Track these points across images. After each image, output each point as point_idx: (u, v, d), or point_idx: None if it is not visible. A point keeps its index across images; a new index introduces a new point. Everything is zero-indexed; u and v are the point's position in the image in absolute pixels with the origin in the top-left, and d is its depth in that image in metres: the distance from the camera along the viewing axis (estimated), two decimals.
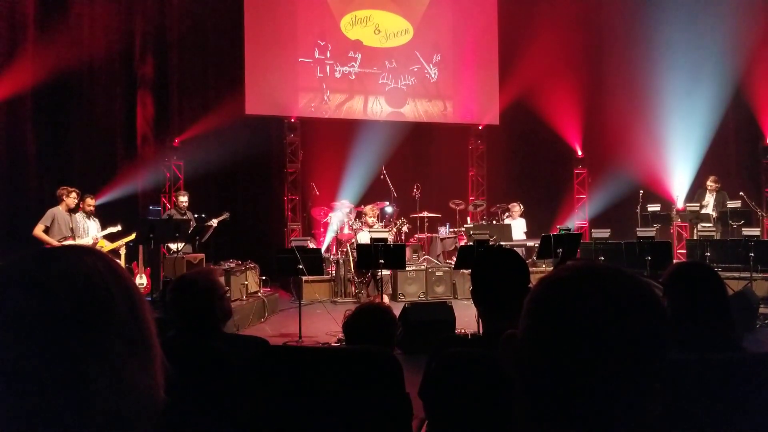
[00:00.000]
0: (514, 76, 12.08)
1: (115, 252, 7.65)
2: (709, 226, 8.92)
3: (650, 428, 0.74)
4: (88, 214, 7.60)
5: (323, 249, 9.43)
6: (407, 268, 8.63)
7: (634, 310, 0.74)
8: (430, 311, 5.90)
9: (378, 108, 11.88)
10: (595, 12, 12.10)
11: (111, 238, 7.66)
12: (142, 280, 8.01)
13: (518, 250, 9.13)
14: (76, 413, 0.66)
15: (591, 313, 0.73)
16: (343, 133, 11.53)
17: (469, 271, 2.29)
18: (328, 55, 11.54)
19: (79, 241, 7.13)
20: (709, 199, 9.63)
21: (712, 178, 9.78)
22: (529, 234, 10.38)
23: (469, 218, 11.45)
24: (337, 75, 11.62)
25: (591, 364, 0.72)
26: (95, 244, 7.32)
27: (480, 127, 12.66)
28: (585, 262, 0.81)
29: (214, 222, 8.12)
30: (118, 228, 7.63)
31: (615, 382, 0.72)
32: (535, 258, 8.81)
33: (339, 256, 9.28)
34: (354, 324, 2.41)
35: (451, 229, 10.75)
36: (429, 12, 12.11)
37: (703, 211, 9.47)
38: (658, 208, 9.93)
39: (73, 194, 7.21)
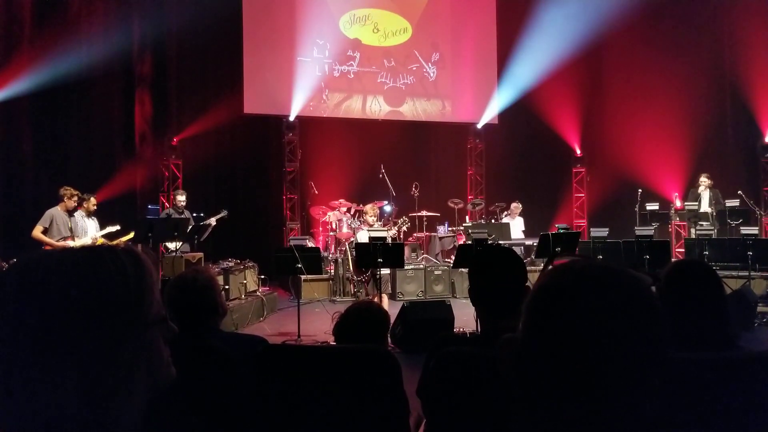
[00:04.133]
0: (512, 75, 12.08)
1: None
2: (707, 225, 8.92)
3: (648, 428, 0.74)
4: (89, 214, 7.57)
5: (322, 248, 9.43)
6: (406, 267, 8.63)
7: (629, 311, 0.74)
8: (428, 310, 5.90)
9: (376, 107, 11.87)
10: (594, 11, 12.09)
11: (109, 237, 7.65)
12: None
13: (517, 248, 9.14)
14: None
15: (588, 320, 0.74)
16: (342, 132, 11.52)
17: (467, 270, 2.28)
18: (327, 53, 11.52)
19: (78, 241, 7.13)
20: (704, 196, 9.62)
21: (704, 175, 9.80)
22: (528, 233, 10.41)
23: (467, 217, 11.46)
24: (336, 74, 11.61)
25: (590, 368, 0.73)
26: (95, 243, 7.30)
27: (478, 126, 12.66)
28: (579, 262, 0.81)
29: (213, 221, 8.11)
30: (117, 227, 7.62)
31: (614, 384, 0.73)
32: (533, 257, 8.81)
33: (338, 255, 9.28)
34: (345, 324, 2.40)
35: (450, 228, 10.76)
36: (428, 11, 12.10)
37: (699, 209, 9.48)
38: (657, 207, 9.94)
39: (75, 197, 7.20)
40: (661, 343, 0.76)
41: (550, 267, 0.85)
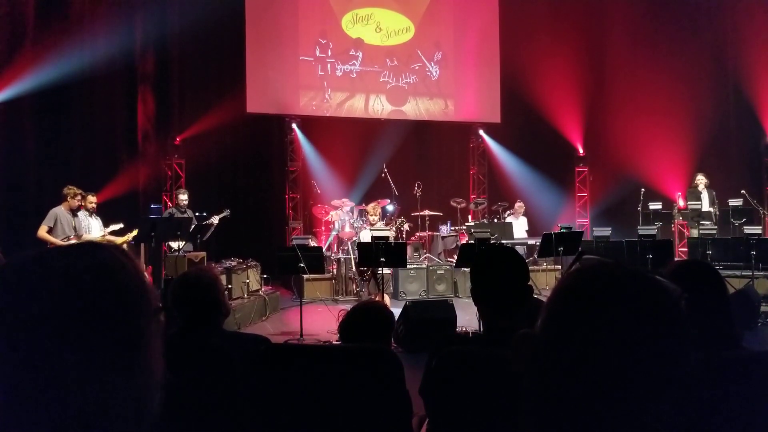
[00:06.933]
0: (515, 74, 12.05)
1: None
2: (709, 224, 8.91)
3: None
4: (90, 212, 7.59)
5: (325, 247, 9.44)
6: (408, 267, 8.63)
7: (653, 319, 0.74)
8: (431, 309, 5.90)
9: (379, 106, 11.87)
10: (598, 10, 12.08)
11: (114, 234, 7.66)
12: None
13: (519, 248, 9.14)
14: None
15: (608, 325, 0.73)
16: (345, 131, 11.52)
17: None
18: (330, 53, 11.53)
19: (83, 240, 7.14)
20: (704, 195, 9.61)
21: (701, 173, 9.80)
22: (530, 232, 10.40)
23: (470, 216, 11.45)
24: (339, 73, 11.61)
25: (605, 374, 0.72)
26: (102, 240, 7.31)
27: (480, 129, 12.63)
28: (606, 264, 0.80)
29: (215, 220, 8.11)
30: (121, 225, 7.64)
31: (630, 388, 0.72)
32: (536, 256, 8.81)
33: (340, 254, 9.28)
34: (350, 323, 2.41)
35: (452, 228, 10.75)
36: (430, 10, 12.09)
37: (698, 208, 9.46)
38: (660, 207, 9.92)
39: (78, 197, 7.21)
40: (682, 354, 0.75)
41: (575, 267, 0.84)
